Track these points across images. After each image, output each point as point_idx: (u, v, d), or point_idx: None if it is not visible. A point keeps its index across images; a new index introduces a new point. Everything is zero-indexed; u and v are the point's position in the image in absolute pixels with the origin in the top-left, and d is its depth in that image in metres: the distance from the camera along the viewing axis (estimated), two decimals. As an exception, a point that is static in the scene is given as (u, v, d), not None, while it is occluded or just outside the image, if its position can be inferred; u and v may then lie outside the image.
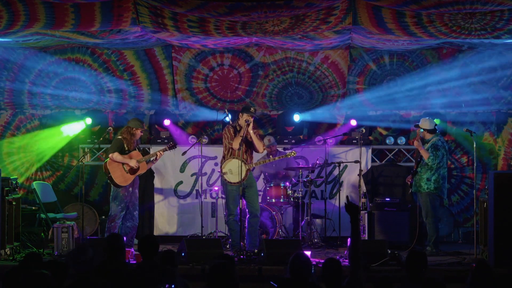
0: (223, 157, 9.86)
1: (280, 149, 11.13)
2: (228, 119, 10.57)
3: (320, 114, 12.10)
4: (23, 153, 12.05)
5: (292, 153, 10.49)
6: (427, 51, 11.63)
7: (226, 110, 10.80)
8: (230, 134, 9.82)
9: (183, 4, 8.64)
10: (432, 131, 10.31)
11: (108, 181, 10.14)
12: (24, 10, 8.79)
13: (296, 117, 11.74)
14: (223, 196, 10.89)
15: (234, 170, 9.71)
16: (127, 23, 9.27)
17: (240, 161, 9.63)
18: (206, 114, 12.10)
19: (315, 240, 10.72)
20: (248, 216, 9.92)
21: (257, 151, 9.91)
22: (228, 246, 10.19)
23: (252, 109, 9.92)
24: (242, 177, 9.62)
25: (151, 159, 10.27)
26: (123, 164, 9.96)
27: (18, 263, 6.04)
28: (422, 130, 10.27)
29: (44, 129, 12.04)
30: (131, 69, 11.97)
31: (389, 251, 9.32)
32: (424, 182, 10.20)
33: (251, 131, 9.67)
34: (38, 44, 10.91)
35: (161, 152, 10.24)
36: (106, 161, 10.05)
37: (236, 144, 9.71)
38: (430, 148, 10.19)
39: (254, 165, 10.00)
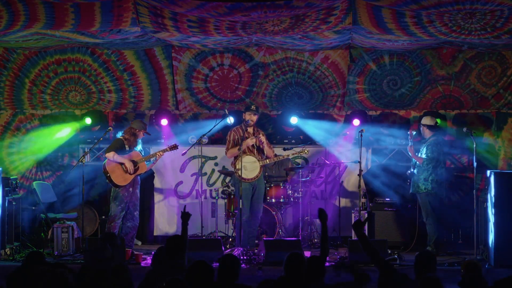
0: (235, 157, 9.90)
1: (280, 149, 11.12)
2: (229, 121, 10.58)
3: (320, 114, 12.10)
4: (23, 153, 12.04)
5: (305, 151, 10.54)
6: (427, 51, 11.61)
7: (226, 110, 10.81)
8: (231, 138, 9.90)
9: (183, 4, 8.64)
10: (432, 128, 10.35)
11: (108, 181, 10.14)
12: (24, 10, 8.78)
13: (294, 120, 11.67)
14: (224, 196, 10.90)
15: (248, 166, 9.81)
16: (127, 23, 9.27)
17: (254, 157, 9.76)
18: (206, 114, 12.10)
19: (315, 240, 10.73)
20: (249, 215, 9.92)
21: (267, 157, 10.06)
22: (228, 246, 10.19)
23: (253, 107, 10.12)
24: (256, 173, 9.74)
25: (152, 160, 10.28)
26: (121, 164, 9.97)
27: (21, 262, 6.05)
28: (414, 133, 10.35)
29: (44, 129, 12.03)
30: (131, 69, 11.97)
31: (389, 251, 9.33)
32: (421, 182, 10.23)
33: (264, 140, 9.96)
34: (38, 44, 10.91)
35: (161, 152, 10.25)
36: (105, 162, 10.07)
37: (230, 154, 9.86)
38: (425, 149, 10.23)
39: (268, 161, 10.09)
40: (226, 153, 10.12)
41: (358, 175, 10.51)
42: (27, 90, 12.01)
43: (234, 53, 11.82)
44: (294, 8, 8.76)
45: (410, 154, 10.42)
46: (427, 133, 10.43)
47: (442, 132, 11.15)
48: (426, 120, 10.45)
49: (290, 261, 5.54)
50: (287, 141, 11.66)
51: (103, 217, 11.25)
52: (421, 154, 10.34)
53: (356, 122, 11.52)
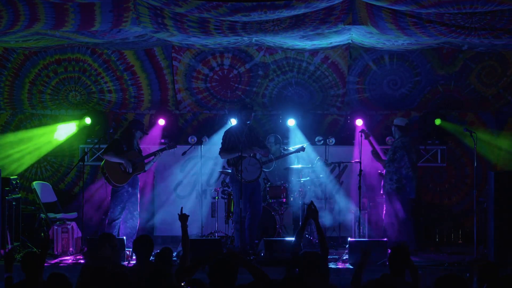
0: (235, 158, 9.89)
1: (280, 149, 11.10)
2: (230, 123, 10.57)
3: (320, 114, 12.08)
4: (23, 153, 12.03)
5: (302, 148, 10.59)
6: (427, 51, 11.62)
7: (226, 110, 10.82)
8: (227, 140, 9.88)
9: (183, 4, 8.63)
10: (402, 129, 10.34)
11: (106, 181, 10.13)
12: (25, 10, 8.78)
13: (291, 122, 11.61)
14: (224, 196, 10.89)
15: (249, 168, 9.78)
16: (127, 23, 9.26)
17: (255, 159, 9.75)
18: (206, 114, 12.09)
19: (315, 240, 10.72)
20: (248, 216, 9.92)
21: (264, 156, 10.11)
22: (228, 246, 10.19)
23: (248, 105, 10.13)
24: (258, 175, 9.74)
25: (151, 159, 10.27)
26: (119, 164, 9.96)
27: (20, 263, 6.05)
28: (364, 134, 10.35)
29: (43, 129, 12.03)
30: (131, 69, 11.97)
31: (390, 251, 9.32)
32: (387, 182, 10.27)
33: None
34: (38, 44, 10.90)
35: (160, 152, 10.24)
36: (103, 162, 10.07)
37: (224, 156, 9.85)
38: (389, 152, 10.28)
39: (269, 162, 10.12)
40: (219, 154, 10.09)
41: (358, 175, 10.51)
42: (27, 90, 12.00)
43: (234, 53, 11.82)
44: (294, 9, 8.75)
45: (373, 157, 10.48)
46: (397, 134, 10.43)
47: (412, 133, 11.04)
48: (397, 121, 10.47)
49: (306, 259, 5.60)
50: (287, 141, 11.65)
51: (103, 217, 11.25)
52: (388, 155, 10.36)
53: (359, 122, 11.47)
